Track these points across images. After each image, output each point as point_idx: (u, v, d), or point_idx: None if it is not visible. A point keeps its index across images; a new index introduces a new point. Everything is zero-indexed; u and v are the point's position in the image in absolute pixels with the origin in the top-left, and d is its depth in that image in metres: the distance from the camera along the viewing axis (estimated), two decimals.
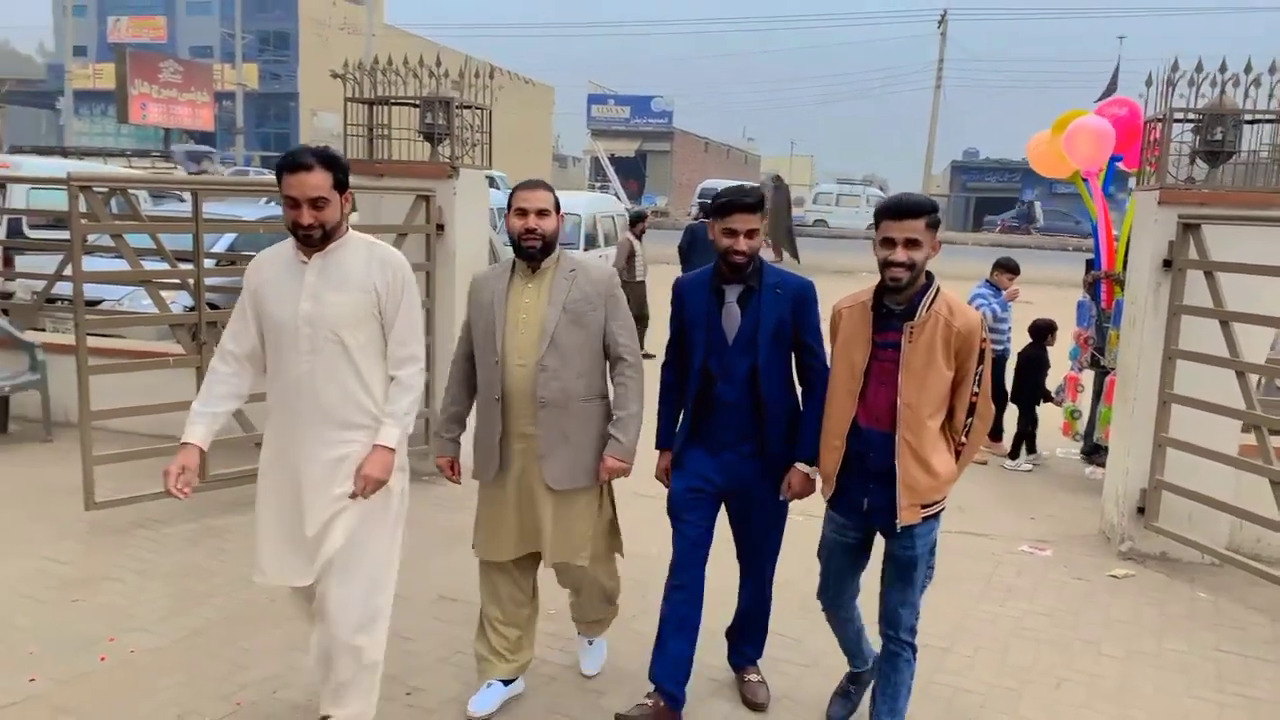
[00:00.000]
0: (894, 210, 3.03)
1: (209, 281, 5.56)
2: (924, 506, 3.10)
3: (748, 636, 3.77)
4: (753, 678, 3.73)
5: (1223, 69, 5.21)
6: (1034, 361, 7.45)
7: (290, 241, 3.04)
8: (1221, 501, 5.09)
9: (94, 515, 5.15)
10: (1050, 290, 15.54)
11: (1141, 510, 5.39)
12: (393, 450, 3.04)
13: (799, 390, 3.49)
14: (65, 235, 6.03)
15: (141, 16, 51.70)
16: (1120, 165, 7.21)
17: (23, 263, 8.82)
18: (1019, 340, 7.69)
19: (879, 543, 3.28)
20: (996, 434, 7.60)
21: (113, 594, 4.40)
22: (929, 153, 43.27)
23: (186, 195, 7.20)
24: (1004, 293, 7.45)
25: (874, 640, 3.43)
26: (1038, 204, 43.35)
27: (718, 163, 61.14)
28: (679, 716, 3.46)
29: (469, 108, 6.23)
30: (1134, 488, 5.41)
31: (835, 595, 3.38)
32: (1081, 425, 7.29)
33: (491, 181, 7.54)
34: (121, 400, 5.46)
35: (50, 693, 3.55)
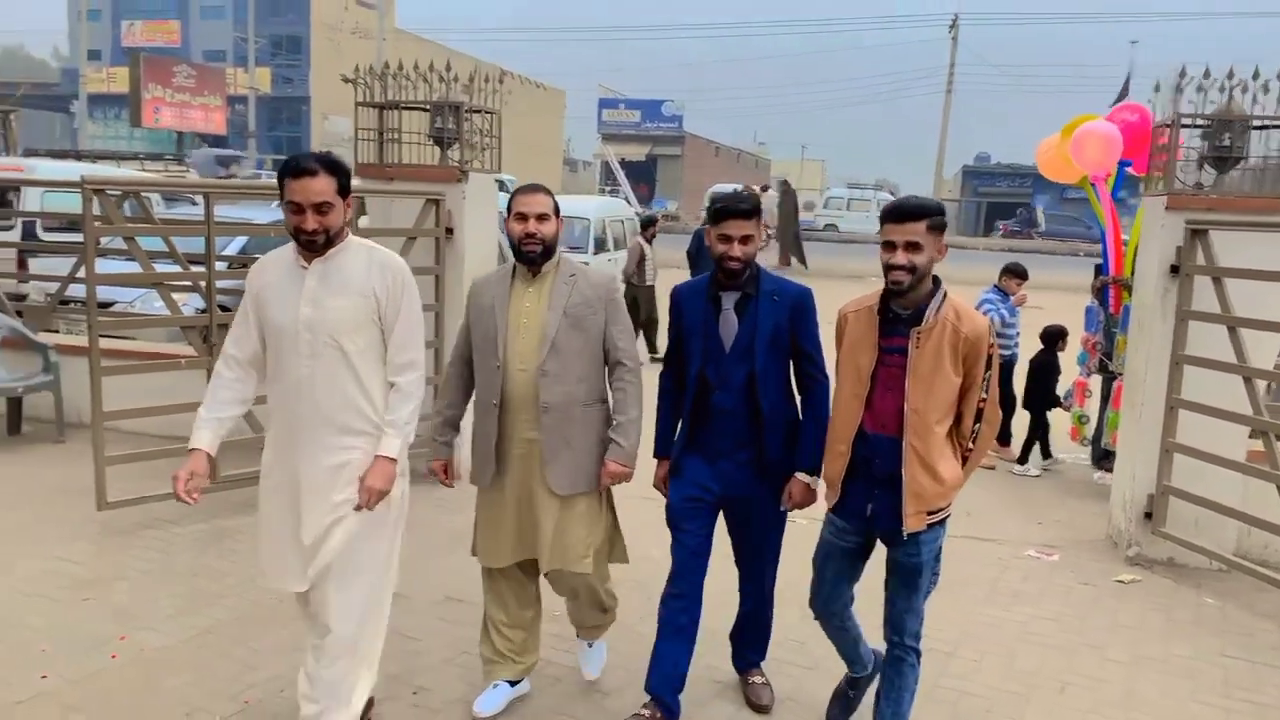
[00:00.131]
0: (895, 213, 3.01)
1: (220, 284, 5.61)
2: (930, 513, 3.07)
3: (749, 641, 3.78)
4: (757, 680, 3.74)
5: (1230, 75, 5.21)
6: (1046, 367, 7.45)
7: (291, 245, 3.04)
8: (1229, 507, 5.08)
9: (106, 515, 5.20)
10: (1061, 295, 15.50)
11: (1149, 515, 5.38)
12: (394, 460, 3.04)
13: (798, 399, 3.48)
14: (79, 238, 6.09)
15: (155, 21, 52.01)
16: (1130, 170, 7.21)
17: (37, 265, 8.91)
18: (1027, 345, 7.69)
19: (879, 549, 3.25)
20: (1005, 439, 7.60)
21: (123, 593, 4.44)
22: (940, 157, 43.21)
23: (198, 198, 7.26)
24: (1012, 298, 7.45)
25: (874, 642, 3.41)
26: (1039, 209, 43.34)
27: (728, 167, 61.14)
28: None
29: (478, 112, 6.27)
30: (1141, 493, 5.41)
31: (828, 601, 3.32)
32: (1089, 430, 7.28)
33: (501, 185, 7.59)
34: (133, 401, 5.51)
35: (61, 690, 3.59)
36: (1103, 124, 6.74)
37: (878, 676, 3.38)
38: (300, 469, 2.99)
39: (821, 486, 3.36)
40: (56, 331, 7.91)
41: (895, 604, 3.21)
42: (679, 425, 3.54)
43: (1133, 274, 6.21)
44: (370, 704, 3.40)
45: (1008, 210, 47.14)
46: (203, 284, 5.63)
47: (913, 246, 2.96)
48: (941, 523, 3.15)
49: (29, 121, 34.29)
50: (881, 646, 3.34)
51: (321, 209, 2.89)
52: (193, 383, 5.56)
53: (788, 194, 24.85)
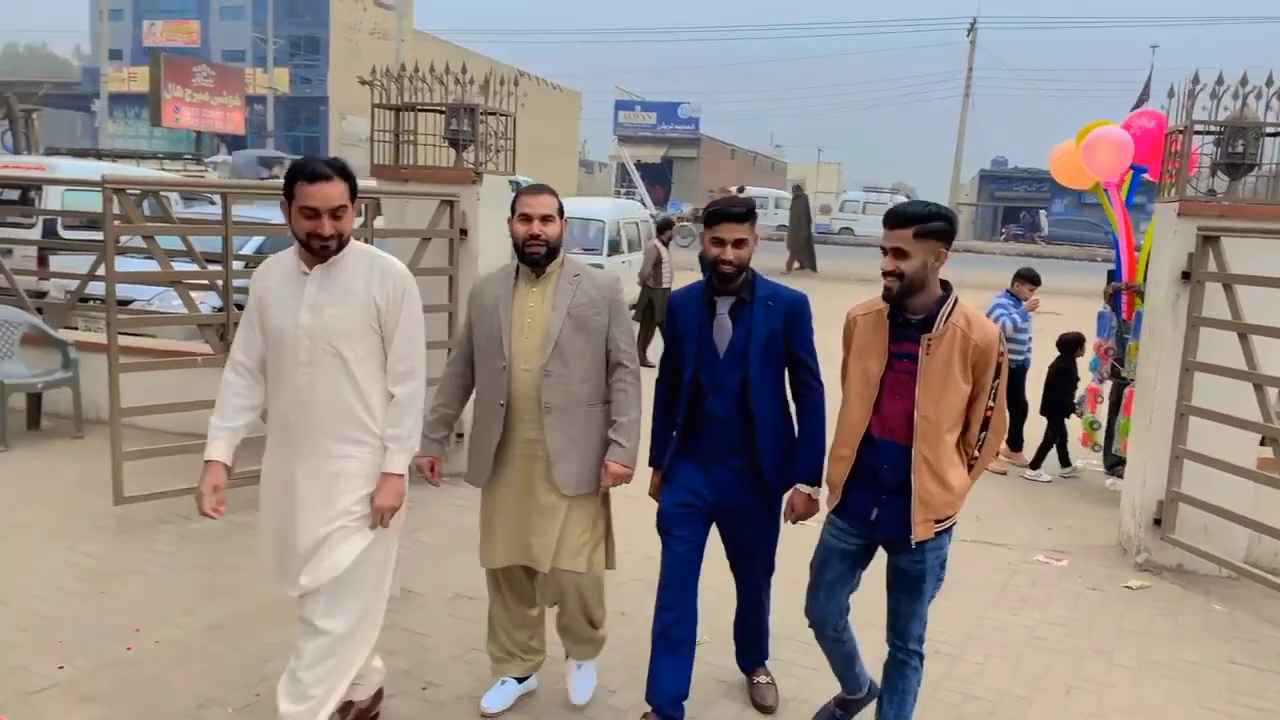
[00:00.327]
0: (885, 219, 2.99)
1: (237, 283, 5.68)
2: (937, 521, 3.04)
3: (746, 645, 3.78)
4: (762, 680, 3.76)
5: (1244, 82, 5.21)
6: (1063, 374, 7.45)
7: (293, 250, 3.01)
8: (1239, 514, 5.07)
9: (123, 510, 5.27)
10: (1075, 301, 15.45)
11: (1158, 522, 5.38)
12: (402, 476, 3.03)
13: (793, 407, 3.45)
14: (99, 236, 6.17)
15: (176, 21, 52.45)
16: (1146, 176, 7.20)
17: (57, 263, 9.02)
18: (1044, 351, 7.69)
19: (879, 556, 3.23)
20: (1017, 444, 7.60)
21: (139, 586, 4.51)
22: (957, 161, 43.05)
23: (216, 198, 7.35)
24: (1024, 303, 7.45)
25: (871, 641, 3.38)
26: (1043, 213, 43.35)
27: (744, 169, 61.12)
28: None
29: (494, 114, 6.32)
30: (1151, 499, 5.41)
31: (824, 605, 3.26)
32: (1100, 436, 7.27)
33: (517, 186, 7.64)
34: (151, 398, 5.58)
35: (77, 680, 3.65)
36: (1114, 130, 6.74)
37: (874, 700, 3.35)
38: (297, 475, 2.97)
39: (823, 494, 3.33)
40: (76, 328, 8.01)
41: (899, 610, 3.19)
42: (673, 432, 3.50)
43: (1145, 280, 6.21)
44: (379, 695, 3.45)
45: (1024, 214, 47.00)
46: (220, 283, 5.70)
47: (899, 253, 2.92)
48: (948, 530, 3.12)
49: (50, 120, 34.65)
50: (878, 674, 3.31)
51: (337, 214, 2.87)
52: (209, 380, 5.61)
53: (799, 198, 24.86)
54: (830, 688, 3.69)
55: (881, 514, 3.07)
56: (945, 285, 3.03)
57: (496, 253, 6.51)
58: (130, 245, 7.35)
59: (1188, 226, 5.22)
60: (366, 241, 5.71)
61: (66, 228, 9.94)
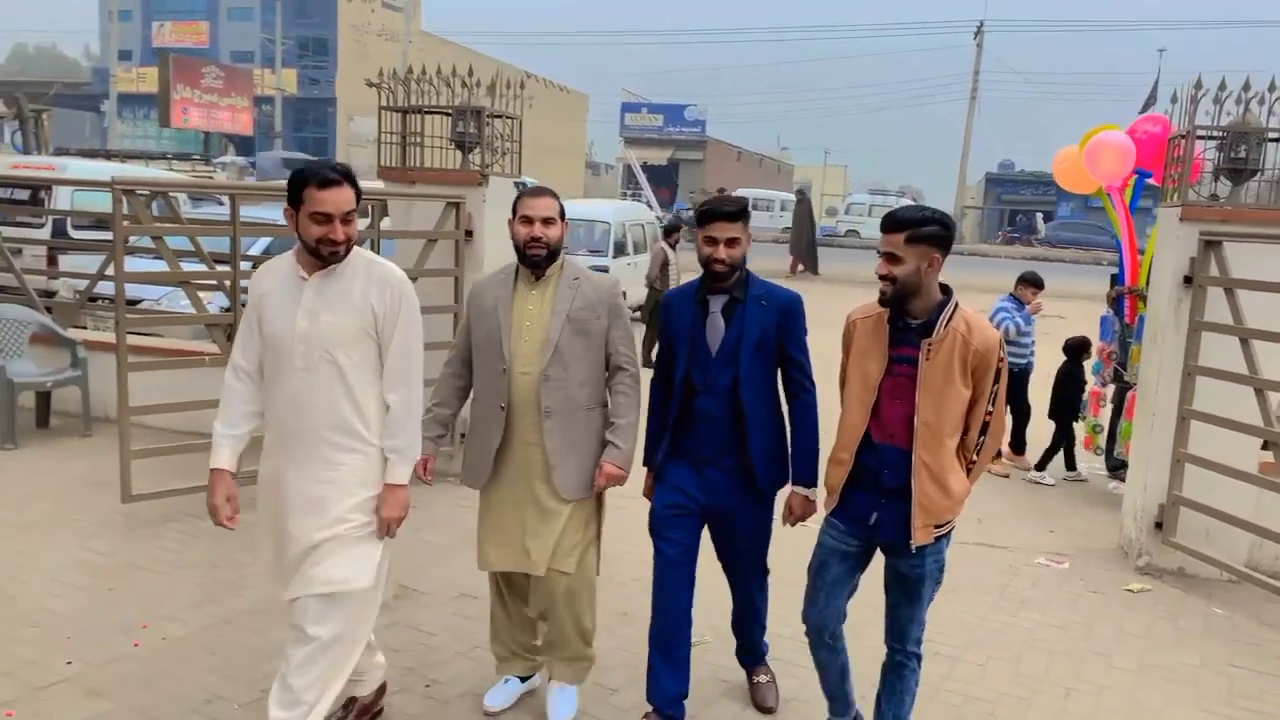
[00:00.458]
0: (881, 223, 2.99)
1: (244, 283, 5.72)
2: (936, 526, 3.03)
3: (742, 642, 3.79)
4: (762, 679, 3.77)
5: (1246, 87, 5.23)
6: (1070, 378, 7.46)
7: (292, 254, 2.99)
8: (1240, 518, 5.09)
9: (130, 507, 5.32)
10: (1080, 305, 15.45)
11: (1159, 525, 5.39)
12: (405, 487, 3.03)
13: (785, 408, 3.45)
14: (108, 236, 6.22)
15: (185, 22, 52.62)
16: (1150, 181, 7.21)
17: (66, 262, 9.09)
18: (1049, 355, 7.70)
19: (877, 559, 3.22)
20: (1020, 447, 7.62)
21: (146, 583, 4.55)
22: (963, 164, 43.02)
23: (224, 199, 7.40)
24: (1027, 307, 7.47)
25: (870, 642, 3.35)
26: (1039, 216, 43.47)
27: (750, 172, 61.17)
28: None
29: (500, 117, 6.37)
30: (1152, 503, 5.42)
31: (823, 609, 3.20)
32: (1102, 440, 7.29)
33: (523, 187, 7.68)
34: (158, 397, 5.64)
35: (85, 675, 3.70)
36: (1117, 135, 6.76)
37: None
38: (289, 480, 2.96)
39: (821, 495, 3.33)
40: (85, 328, 8.06)
41: (898, 613, 3.18)
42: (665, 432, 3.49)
43: (1148, 284, 6.23)
44: (382, 690, 3.49)
45: (1031, 218, 46.97)
46: (227, 283, 5.75)
47: (892, 258, 2.91)
48: (946, 535, 3.11)
49: (60, 120, 34.79)
50: (876, 674, 3.31)
51: (348, 219, 2.87)
52: (216, 379, 5.61)
53: (801, 201, 24.94)
54: None
55: (881, 518, 3.06)
56: (946, 290, 3.01)
57: (501, 254, 6.52)
58: (138, 245, 7.40)
59: (1190, 231, 5.24)
60: (373, 243, 5.83)
61: (76, 227, 10.02)
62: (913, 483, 2.98)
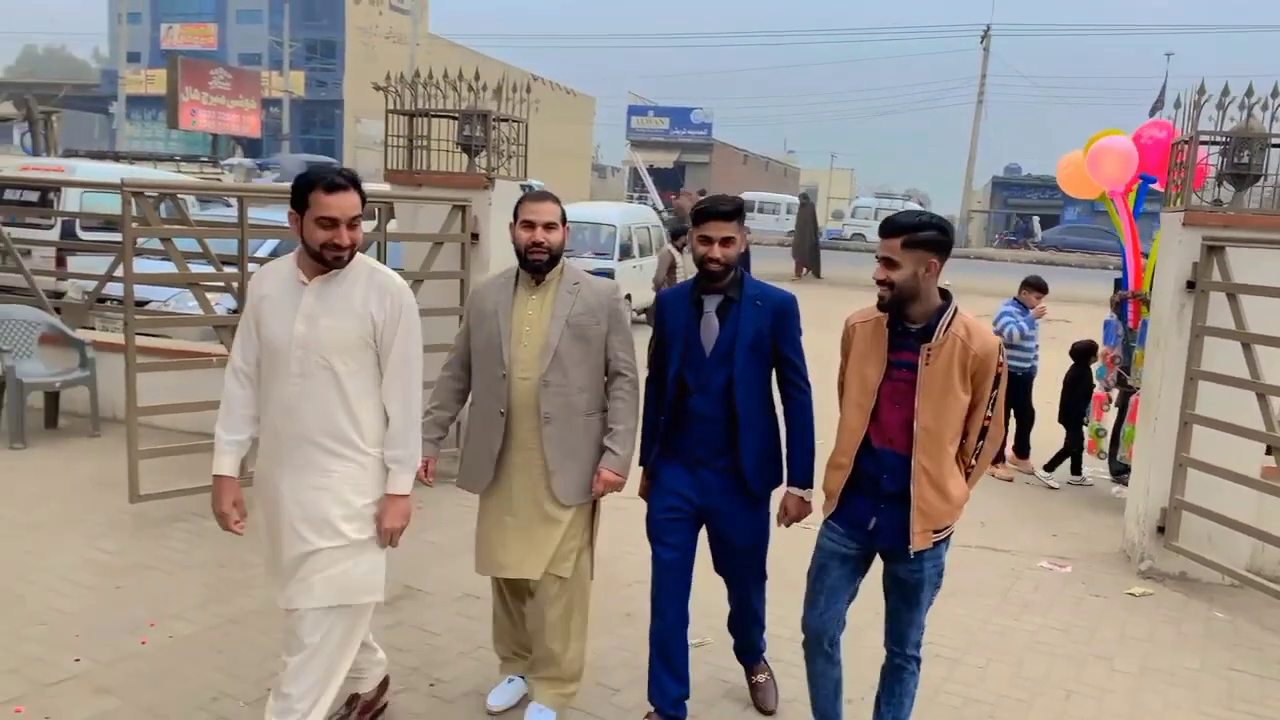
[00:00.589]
0: (879, 228, 2.99)
1: None
2: (935, 531, 3.02)
3: (738, 646, 3.79)
4: (760, 678, 3.79)
5: (1249, 92, 5.25)
6: (1079, 382, 7.48)
7: (292, 258, 2.98)
8: (1242, 523, 5.10)
9: (138, 507, 5.36)
10: (1087, 309, 15.45)
11: (1162, 529, 5.41)
12: (407, 496, 3.03)
13: (779, 409, 3.45)
14: (116, 238, 6.27)
15: (193, 24, 52.81)
16: (1154, 187, 7.23)
17: (75, 263, 9.15)
18: (1056, 359, 7.71)
19: (876, 564, 3.22)
20: (1024, 451, 7.63)
21: (154, 582, 4.59)
22: (970, 168, 43.02)
23: (232, 200, 7.45)
24: (1031, 311, 7.49)
25: (869, 644, 3.34)
26: (1035, 220, 43.56)
27: (756, 175, 61.22)
28: None
29: (506, 120, 6.40)
30: (1155, 507, 5.44)
31: (823, 612, 3.17)
32: (1105, 444, 7.30)
33: (529, 190, 7.73)
34: (166, 397, 5.68)
35: (93, 672, 3.73)
36: (1120, 140, 6.78)
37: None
38: (281, 488, 2.96)
39: (816, 498, 3.33)
40: (93, 328, 8.12)
41: (897, 617, 3.18)
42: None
43: (1151, 289, 6.24)
44: (384, 685, 3.52)
45: (1039, 222, 46.92)
46: (235, 285, 5.79)
47: (888, 263, 2.92)
48: (945, 539, 3.10)
49: (69, 122, 34.92)
50: (875, 676, 3.32)
51: (353, 224, 2.86)
52: (223, 380, 5.72)
53: (805, 206, 24.99)
54: None
55: (880, 523, 3.04)
56: (945, 294, 3.01)
57: (507, 257, 6.53)
58: (147, 247, 7.46)
59: (1192, 236, 5.26)
60: (380, 246, 5.87)
61: (84, 229, 10.08)
62: (912, 488, 2.97)
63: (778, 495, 3.51)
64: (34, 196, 10.10)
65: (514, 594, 3.60)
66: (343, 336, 2.91)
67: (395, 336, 2.97)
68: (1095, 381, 7.47)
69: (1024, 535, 6.11)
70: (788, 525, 3.47)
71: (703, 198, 3.54)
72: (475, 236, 6.32)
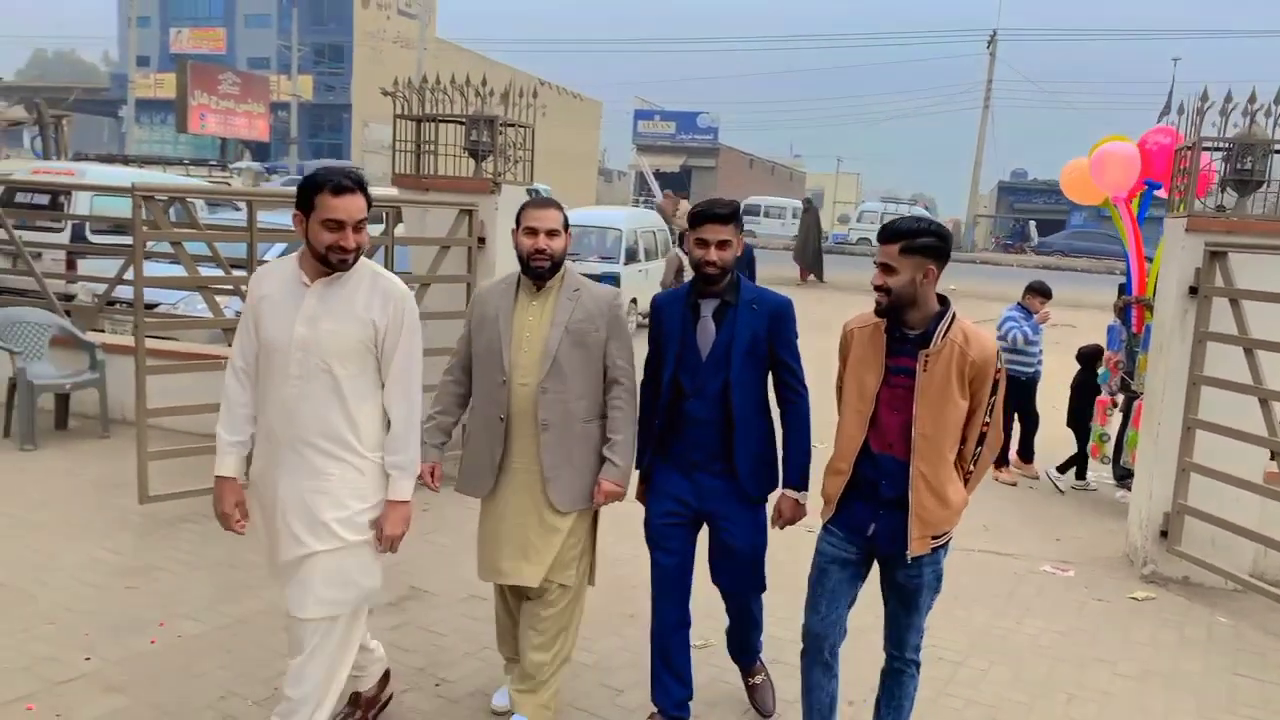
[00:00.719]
0: (877, 234, 3.00)
1: None
2: (934, 537, 3.02)
3: (735, 650, 3.79)
4: (757, 680, 3.79)
5: (1252, 99, 5.26)
6: (1086, 386, 7.49)
7: (294, 259, 2.97)
8: (1245, 527, 5.11)
9: (148, 508, 5.42)
10: (1093, 313, 15.44)
11: (1165, 534, 5.42)
12: (408, 503, 3.03)
13: (775, 412, 3.46)
14: (126, 241, 6.32)
15: (202, 28, 53.09)
16: (1159, 193, 7.24)
17: (85, 266, 9.21)
18: (1051, 362, 7.73)
19: (875, 569, 3.22)
20: (1028, 455, 7.65)
21: (163, 582, 4.64)
22: (976, 172, 42.92)
23: (241, 204, 7.51)
24: (1035, 316, 7.51)
25: (869, 647, 3.33)
26: (1032, 224, 43.65)
27: (762, 179, 61.18)
28: None
29: (513, 125, 6.45)
30: (1158, 511, 5.45)
31: (825, 615, 3.15)
32: (1109, 448, 7.31)
33: (535, 195, 7.78)
34: (175, 399, 5.73)
35: (102, 671, 3.78)
36: (1123, 146, 6.80)
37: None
38: (278, 490, 2.95)
39: (812, 500, 3.33)
40: (103, 331, 8.17)
41: (896, 622, 3.19)
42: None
43: (1155, 294, 6.26)
44: (385, 681, 3.55)
45: (1044, 227, 46.84)
46: (244, 288, 5.83)
47: (886, 268, 2.92)
48: (944, 545, 3.10)
49: (79, 126, 35.09)
50: (875, 678, 3.32)
51: (359, 227, 2.85)
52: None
53: (808, 210, 25.02)
54: None
55: (879, 529, 3.04)
56: (944, 300, 3.02)
57: (513, 261, 6.57)
58: (156, 250, 7.51)
59: (1195, 242, 5.28)
60: (388, 249, 5.91)
61: (94, 232, 10.15)
62: (910, 494, 2.96)
63: (773, 499, 3.52)
64: (45, 200, 10.18)
65: (516, 597, 3.62)
66: (343, 340, 2.90)
67: (398, 342, 2.97)
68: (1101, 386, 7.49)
69: (1027, 539, 6.12)
70: (782, 527, 3.47)
71: (683, 200, 3.56)
72: (482, 240, 6.37)
